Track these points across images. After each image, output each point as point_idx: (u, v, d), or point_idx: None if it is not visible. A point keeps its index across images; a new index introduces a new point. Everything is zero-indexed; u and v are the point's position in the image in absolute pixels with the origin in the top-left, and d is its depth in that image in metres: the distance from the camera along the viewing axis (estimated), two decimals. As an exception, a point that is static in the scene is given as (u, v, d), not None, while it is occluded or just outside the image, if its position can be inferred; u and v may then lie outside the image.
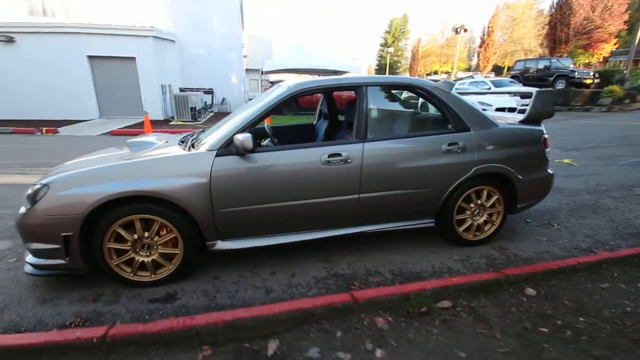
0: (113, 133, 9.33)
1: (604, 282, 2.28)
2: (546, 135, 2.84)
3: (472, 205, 2.69)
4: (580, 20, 23.89)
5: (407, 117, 3.10)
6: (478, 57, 38.65)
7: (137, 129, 9.56)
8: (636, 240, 2.94)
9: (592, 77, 17.02)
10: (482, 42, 36.34)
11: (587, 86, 16.90)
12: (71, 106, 12.18)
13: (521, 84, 17.50)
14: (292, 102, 13.38)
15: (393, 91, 3.29)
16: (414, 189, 2.48)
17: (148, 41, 12.25)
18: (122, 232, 2.08)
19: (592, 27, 23.85)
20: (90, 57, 12.18)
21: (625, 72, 17.82)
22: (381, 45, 56.67)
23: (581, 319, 1.92)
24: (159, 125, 10.68)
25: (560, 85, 17.55)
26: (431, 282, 2.10)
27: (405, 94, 4.33)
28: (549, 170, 2.90)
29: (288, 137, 3.47)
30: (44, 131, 9.47)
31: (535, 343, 1.73)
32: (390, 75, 2.70)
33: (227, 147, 2.15)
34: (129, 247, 2.13)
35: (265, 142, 2.84)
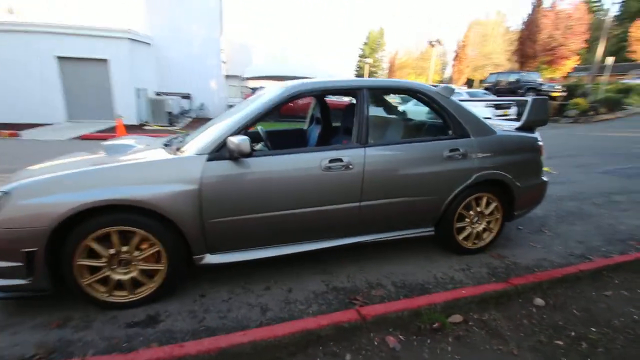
0: (84, 137, 8.76)
1: (607, 290, 2.25)
2: (541, 143, 2.83)
3: (471, 212, 2.62)
4: (544, 38, 25.39)
5: (406, 122, 3.02)
6: (452, 69, 40.18)
7: (110, 134, 9.04)
8: (624, 246, 2.98)
9: (559, 90, 18.01)
10: (456, 55, 37.84)
11: (554, 99, 17.87)
12: (36, 109, 11.40)
13: (495, 96, 18.27)
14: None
15: (391, 96, 3.25)
16: (415, 197, 2.38)
17: (123, 43, 11.75)
18: (96, 247, 1.83)
19: (556, 44, 25.41)
20: (59, 57, 11.50)
21: (587, 86, 19.02)
22: (360, 57, 57.76)
23: (593, 329, 1.85)
24: (133, 129, 10.17)
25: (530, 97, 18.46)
26: (441, 295, 1.98)
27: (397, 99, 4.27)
28: (544, 178, 2.89)
29: (278, 142, 3.31)
30: (4, 135, 8.74)
31: (554, 357, 1.63)
32: (391, 79, 2.59)
33: (219, 151, 1.95)
34: (104, 264, 1.87)
35: (258, 146, 2.66)
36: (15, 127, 9.62)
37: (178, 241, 1.94)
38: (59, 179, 1.79)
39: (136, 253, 1.91)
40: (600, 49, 19.39)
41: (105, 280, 1.91)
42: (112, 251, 1.86)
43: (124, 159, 1.99)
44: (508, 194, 2.67)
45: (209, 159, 1.93)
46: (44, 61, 11.28)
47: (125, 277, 1.92)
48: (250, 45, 25.48)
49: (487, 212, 2.66)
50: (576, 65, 29.03)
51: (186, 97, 14.56)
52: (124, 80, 12.02)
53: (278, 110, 2.12)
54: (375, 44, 58.38)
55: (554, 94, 17.69)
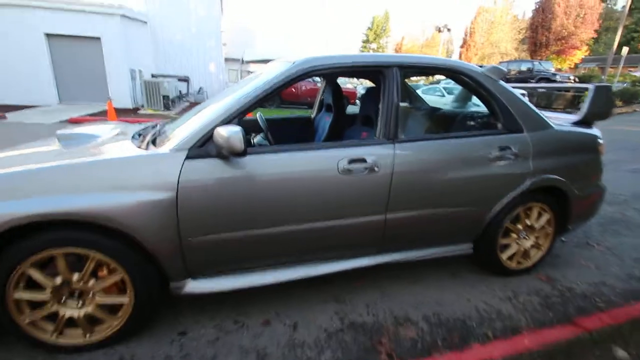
0: (72, 121, 8.20)
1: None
2: (602, 141, 2.32)
3: (519, 226, 2.13)
4: (557, 25, 24.40)
5: (440, 113, 2.50)
6: (460, 57, 39.04)
7: (101, 117, 8.48)
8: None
9: (573, 81, 17.31)
10: (464, 42, 36.65)
11: (568, 90, 17.16)
12: (26, 90, 10.80)
13: (505, 85, 17.57)
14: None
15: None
16: (455, 207, 1.88)
17: (115, 20, 11.02)
18: (37, 275, 1.35)
19: (566, 33, 24.45)
20: (48, 35, 10.83)
21: (602, 77, 18.26)
22: (363, 42, 56.25)
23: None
24: (126, 113, 9.61)
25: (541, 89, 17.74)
26: (497, 346, 1.51)
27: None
28: (602, 184, 2.39)
29: (279, 134, 2.79)
30: (-13, 117, 8.19)
31: None
32: (427, 55, 2.04)
33: (203, 146, 1.45)
34: (48, 297, 1.39)
35: (257, 138, 2.14)
36: (3, 109, 9.05)
37: (148, 265, 1.46)
38: (-21, 183, 1.29)
39: (92, 282, 1.43)
40: (617, 39, 18.53)
41: (53, 318, 1.44)
42: (58, 280, 1.38)
43: (78, 155, 1.48)
44: (564, 203, 2.17)
45: (190, 157, 1.42)
46: (32, 39, 10.61)
47: (79, 313, 1.45)
48: (252, 29, 24.53)
49: (537, 225, 2.17)
50: (584, 56, 28.08)
51: (184, 80, 13.89)
52: (118, 61, 11.36)
53: (282, 91, 1.60)
54: (380, 29, 56.74)
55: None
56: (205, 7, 14.99)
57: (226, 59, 18.27)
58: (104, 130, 1.95)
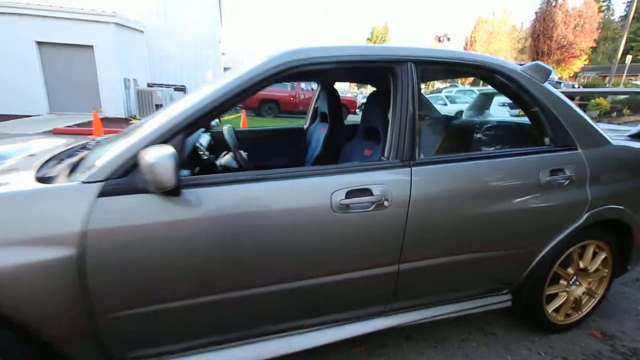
0: (56, 131, 7.79)
1: None
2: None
3: (570, 270, 1.64)
4: (559, 34, 24.24)
5: (468, 122, 2.02)
6: (460, 66, 38.81)
7: (87, 127, 8.07)
8: None
9: (578, 88, 16.96)
10: (464, 52, 36.47)
11: (572, 98, 16.79)
12: (15, 99, 10.45)
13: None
14: (271, 103, 12.21)
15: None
16: (491, 251, 1.40)
17: (109, 28, 10.73)
18: None
19: (566, 42, 24.32)
20: (39, 43, 10.52)
21: (607, 85, 17.92)
22: (364, 52, 56.31)
23: None
24: (117, 123, 9.18)
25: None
26: None
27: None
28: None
29: (265, 150, 2.33)
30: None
31: None
32: (451, 49, 1.57)
33: (127, 176, 0.97)
34: None
35: (225, 159, 1.65)
36: None
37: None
38: None
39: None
40: (621, 47, 18.27)
41: None
42: None
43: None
44: (625, 239, 1.69)
45: (105, 193, 0.94)
46: (23, 47, 10.30)
47: None
48: (253, 38, 24.37)
49: (592, 268, 1.68)
50: (584, 65, 27.90)
51: (180, 89, 13.55)
52: (111, 70, 11.02)
53: (250, 95, 1.13)
54: (380, 40, 57.02)
55: (573, 94, 16.60)
56: (204, 16, 14.76)
57: (225, 68, 17.98)
58: (23, 149, 1.48)
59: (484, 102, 2.89)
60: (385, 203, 1.17)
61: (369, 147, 1.71)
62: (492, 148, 1.71)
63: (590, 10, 24.42)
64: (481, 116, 2.92)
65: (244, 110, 9.37)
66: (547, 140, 1.51)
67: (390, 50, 1.31)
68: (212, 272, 1.05)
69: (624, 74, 20.98)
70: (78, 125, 8.72)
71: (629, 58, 20.27)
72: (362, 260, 1.21)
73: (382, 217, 1.18)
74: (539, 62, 1.56)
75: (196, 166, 1.47)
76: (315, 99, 2.52)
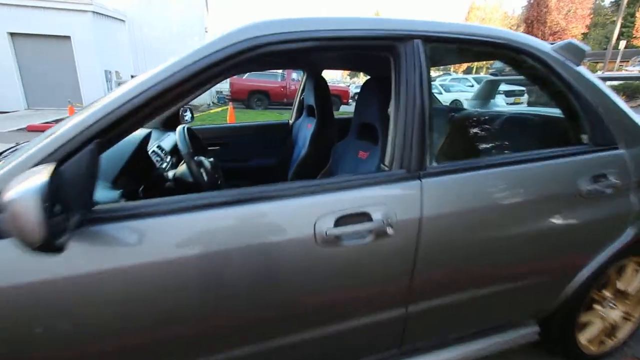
0: (31, 129, 7.32)
1: None
2: None
3: (607, 293, 1.37)
4: (552, 19, 23.95)
5: (484, 114, 1.71)
6: (453, 54, 38.39)
7: (64, 124, 7.59)
8: None
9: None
10: (457, 39, 36.00)
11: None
12: (-8, 93, 9.87)
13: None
14: (260, 94, 11.74)
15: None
16: (519, 280, 1.11)
17: (86, 17, 10.13)
18: None
19: (558, 28, 24.06)
20: (12, 34, 9.90)
21: (602, 72, 17.75)
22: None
23: None
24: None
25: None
26: None
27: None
28: None
29: (246, 149, 2.02)
30: None
31: None
32: (466, 23, 1.25)
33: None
34: None
35: (180, 170, 1.29)
36: None
37: None
38: None
39: None
40: (615, 32, 18.07)
41: None
42: None
43: None
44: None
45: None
46: (-6, 38, 9.69)
47: None
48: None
49: (631, 289, 1.41)
50: (576, 52, 27.65)
51: (166, 81, 12.98)
52: (91, 62, 10.47)
53: (200, 84, 0.80)
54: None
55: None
56: (188, 5, 14.12)
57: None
58: None
59: (489, 90, 2.59)
60: (389, 230, 0.87)
61: (364, 147, 1.40)
62: (512, 148, 1.41)
63: (581, -5, 24.13)
64: (487, 106, 2.62)
65: (231, 103, 8.95)
66: (584, 137, 1.21)
67: (391, 23, 0.99)
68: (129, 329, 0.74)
69: (617, 60, 20.77)
70: (56, 121, 8.24)
71: (622, 43, 20.06)
72: (359, 306, 0.91)
73: (384, 249, 0.88)
74: (572, 40, 1.26)
75: (143, 182, 1.13)
76: (300, 90, 2.19)
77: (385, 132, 1.04)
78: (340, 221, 0.84)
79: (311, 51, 0.94)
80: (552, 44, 1.26)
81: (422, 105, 0.96)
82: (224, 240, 0.77)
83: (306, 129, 2.05)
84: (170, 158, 1.52)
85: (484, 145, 1.30)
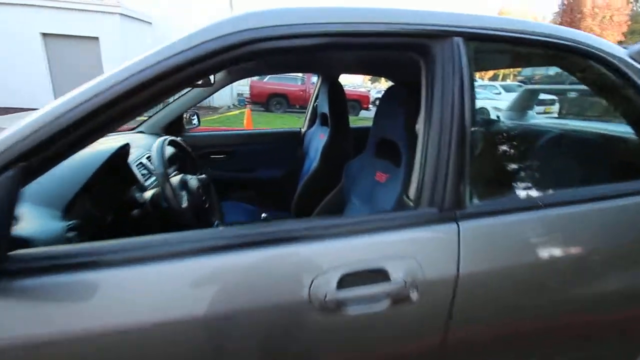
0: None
1: None
2: None
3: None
4: (586, 26, 22.86)
5: (529, 129, 1.44)
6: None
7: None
8: None
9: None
10: (484, 45, 35.09)
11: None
12: (21, 92, 10.26)
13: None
14: (279, 98, 11.65)
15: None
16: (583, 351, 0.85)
17: (114, 19, 10.41)
18: None
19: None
20: (44, 34, 10.29)
21: None
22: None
23: None
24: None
25: (572, 93, 16.33)
26: None
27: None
28: None
29: (253, 158, 1.84)
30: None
31: None
32: (522, 19, 1.00)
33: None
34: None
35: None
36: (3, 112, 8.44)
37: None
38: None
39: None
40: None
41: None
42: None
43: None
44: None
45: None
46: (28, 38, 10.09)
47: None
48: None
49: None
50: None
51: (188, 82, 13.15)
52: (117, 62, 10.49)
53: (169, 89, 0.61)
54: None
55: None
56: (213, 7, 14.30)
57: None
58: None
59: (529, 99, 2.30)
60: (412, 295, 0.63)
61: (382, 168, 1.17)
62: (587, 177, 1.12)
63: (619, 2, 22.93)
64: (525, 117, 2.33)
65: (248, 106, 8.89)
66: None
67: (423, 16, 0.76)
68: None
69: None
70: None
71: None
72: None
73: (405, 320, 0.64)
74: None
75: (118, 207, 0.93)
76: (314, 96, 1.98)
77: (411, 154, 0.82)
78: (345, 280, 0.61)
79: (319, 50, 0.73)
80: (625, 48, 1.00)
81: (462, 123, 0.72)
82: (177, 305, 0.57)
83: (318, 139, 1.84)
84: (171, 167, 1.34)
85: (546, 175, 1.02)
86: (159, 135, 1.92)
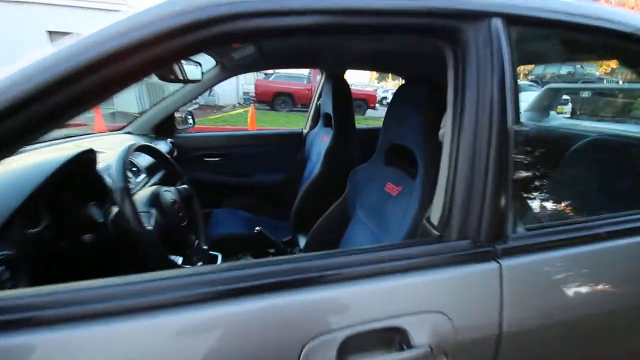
0: (58, 125, 7.41)
1: None
2: None
3: None
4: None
5: (557, 133, 1.26)
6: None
7: (88, 122, 7.67)
8: None
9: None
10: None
11: (615, 96, 15.27)
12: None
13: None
14: (284, 96, 11.53)
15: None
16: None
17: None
18: None
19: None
20: (50, 32, 10.32)
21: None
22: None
23: None
24: (127, 117, 8.79)
25: (586, 93, 15.94)
26: None
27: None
28: None
29: (251, 161, 1.69)
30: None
31: None
32: (577, 1, 0.80)
33: None
34: None
35: (167, 195, 0.86)
36: None
37: None
38: None
39: None
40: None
41: None
42: None
43: None
44: None
45: None
46: (34, 36, 10.11)
47: None
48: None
49: None
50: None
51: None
52: (122, 60, 10.67)
53: (123, 79, 0.45)
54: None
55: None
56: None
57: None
58: None
59: (552, 99, 2.11)
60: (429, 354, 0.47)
61: (394, 179, 0.99)
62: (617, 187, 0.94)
63: (633, 1, 22.36)
64: (546, 118, 2.15)
65: (252, 104, 8.76)
66: None
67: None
68: None
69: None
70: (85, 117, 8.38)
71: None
72: None
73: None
74: None
75: (77, 228, 0.76)
76: (317, 95, 1.82)
77: (433, 164, 0.65)
78: (349, 344, 0.45)
79: (319, 32, 0.57)
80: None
81: (503, 130, 0.55)
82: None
83: (321, 142, 1.67)
84: (144, 178, 1.17)
85: (612, 196, 0.82)
86: (147, 136, 1.77)
